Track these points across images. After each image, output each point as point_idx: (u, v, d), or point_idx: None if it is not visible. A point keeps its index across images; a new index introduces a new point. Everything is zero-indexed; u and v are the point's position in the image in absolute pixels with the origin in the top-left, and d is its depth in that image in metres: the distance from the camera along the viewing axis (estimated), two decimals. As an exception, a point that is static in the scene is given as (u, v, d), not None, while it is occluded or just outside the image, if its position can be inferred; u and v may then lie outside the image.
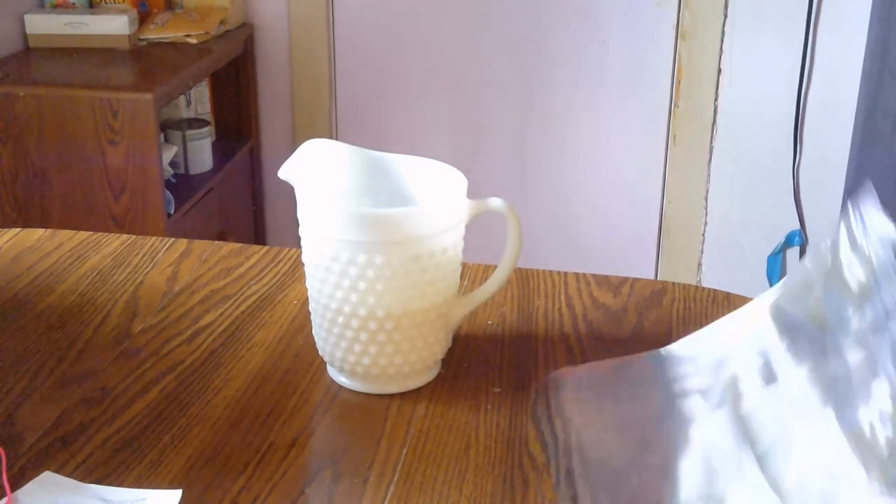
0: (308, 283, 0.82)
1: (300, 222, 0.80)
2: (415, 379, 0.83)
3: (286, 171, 0.80)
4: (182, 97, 2.43)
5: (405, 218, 0.77)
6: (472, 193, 0.80)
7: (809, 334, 0.64)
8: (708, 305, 0.97)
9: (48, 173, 2.10)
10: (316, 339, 0.84)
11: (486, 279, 0.86)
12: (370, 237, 0.76)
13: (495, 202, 0.81)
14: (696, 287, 1.00)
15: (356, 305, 0.78)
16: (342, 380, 0.83)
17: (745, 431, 0.64)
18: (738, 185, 2.49)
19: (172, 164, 2.33)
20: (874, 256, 0.60)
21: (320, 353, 0.84)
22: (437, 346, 0.83)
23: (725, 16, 2.36)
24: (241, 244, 1.12)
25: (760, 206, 2.49)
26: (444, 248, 0.78)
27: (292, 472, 0.72)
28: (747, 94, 2.40)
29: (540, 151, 2.63)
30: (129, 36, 2.30)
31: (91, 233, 1.10)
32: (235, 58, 2.57)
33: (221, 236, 2.42)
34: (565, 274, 1.02)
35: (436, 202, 0.80)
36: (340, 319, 0.79)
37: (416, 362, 0.81)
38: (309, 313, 0.84)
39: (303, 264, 0.83)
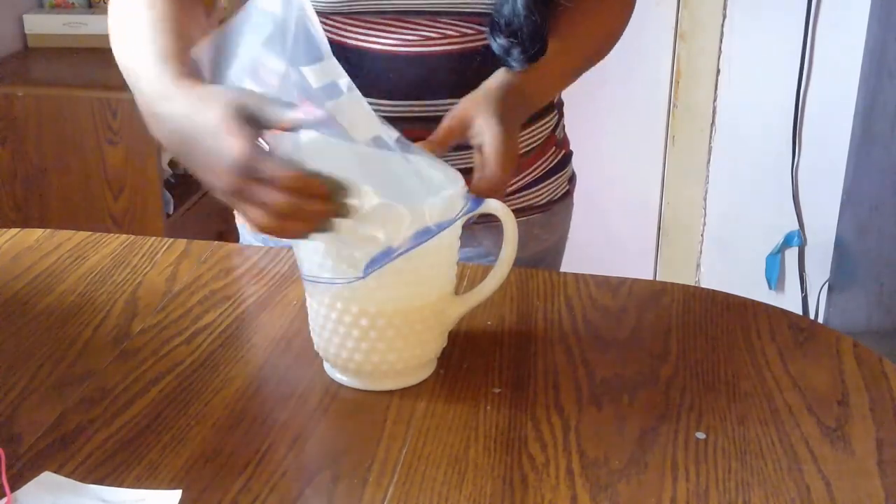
0: (306, 285, 0.82)
1: None
2: (410, 376, 0.83)
3: None
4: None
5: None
6: (471, 194, 0.80)
7: None
8: (707, 306, 0.97)
9: (47, 173, 2.10)
10: (314, 336, 0.84)
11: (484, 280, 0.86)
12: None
13: (491, 203, 0.81)
14: (695, 287, 1.01)
15: (348, 301, 0.78)
16: (338, 376, 0.83)
17: None
18: (736, 185, 2.48)
19: (171, 163, 2.33)
20: None
21: (315, 348, 0.84)
22: (432, 345, 0.83)
23: (724, 16, 2.36)
24: (240, 244, 1.12)
25: (759, 207, 2.48)
26: (438, 247, 0.78)
27: (292, 472, 0.72)
28: (746, 94, 2.40)
29: (539, 152, 2.62)
30: (128, 36, 2.30)
31: (90, 233, 1.10)
32: (234, 58, 2.57)
33: (221, 236, 2.41)
34: (564, 274, 1.02)
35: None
36: (334, 315, 0.80)
37: (410, 359, 0.81)
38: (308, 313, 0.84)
39: (300, 264, 0.82)
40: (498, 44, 0.94)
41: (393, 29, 0.96)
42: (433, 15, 0.95)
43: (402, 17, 0.95)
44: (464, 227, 0.83)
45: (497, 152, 0.84)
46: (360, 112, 0.78)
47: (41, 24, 2.34)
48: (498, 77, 0.93)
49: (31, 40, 2.35)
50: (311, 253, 0.79)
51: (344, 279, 0.77)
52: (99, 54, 2.28)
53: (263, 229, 0.71)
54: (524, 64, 0.93)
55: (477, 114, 0.87)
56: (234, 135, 0.70)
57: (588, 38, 1.01)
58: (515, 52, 0.93)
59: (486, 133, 0.85)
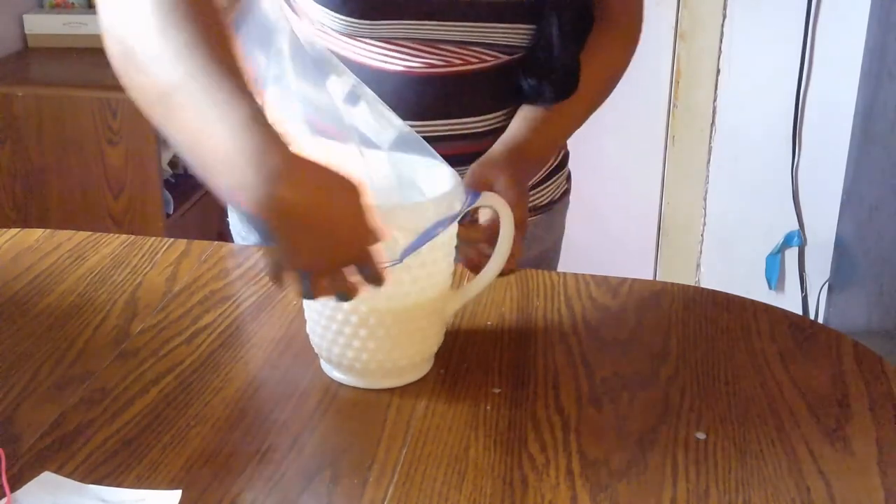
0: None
1: None
2: (405, 374, 0.83)
3: None
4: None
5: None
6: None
7: None
8: (707, 306, 0.97)
9: (47, 173, 2.10)
10: (311, 334, 0.84)
11: (485, 280, 0.86)
12: None
13: (488, 196, 0.81)
14: (695, 288, 1.01)
15: (355, 301, 0.78)
16: (334, 374, 0.83)
17: None
18: (736, 185, 2.48)
19: (171, 163, 2.33)
20: None
21: (315, 348, 0.84)
22: (432, 340, 0.83)
23: (724, 16, 2.35)
24: (240, 244, 1.12)
25: (759, 207, 2.48)
26: (438, 243, 0.78)
27: (292, 472, 0.72)
28: (746, 94, 2.40)
29: (539, 152, 2.61)
30: (128, 36, 2.30)
31: (90, 233, 1.10)
32: (234, 58, 2.57)
33: (221, 237, 2.41)
34: (564, 274, 1.02)
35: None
36: (327, 311, 0.80)
37: (400, 359, 0.81)
38: (308, 314, 0.84)
39: None
40: (529, 84, 0.95)
41: (420, 53, 0.96)
42: (463, 44, 0.96)
43: (434, 43, 0.95)
44: (465, 227, 0.84)
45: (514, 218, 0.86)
46: (378, 113, 0.80)
47: (41, 24, 2.34)
48: (507, 139, 0.95)
49: (31, 40, 2.35)
50: None
51: None
52: (99, 54, 2.26)
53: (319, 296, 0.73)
54: (553, 102, 0.95)
55: (496, 179, 0.89)
56: (371, 237, 0.71)
57: (597, 81, 1.02)
58: (546, 91, 0.94)
59: (504, 197, 0.87)
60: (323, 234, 0.69)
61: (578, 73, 0.96)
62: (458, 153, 0.97)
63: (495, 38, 0.96)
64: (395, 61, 0.96)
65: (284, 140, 0.68)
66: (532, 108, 0.98)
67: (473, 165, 0.92)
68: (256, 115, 0.69)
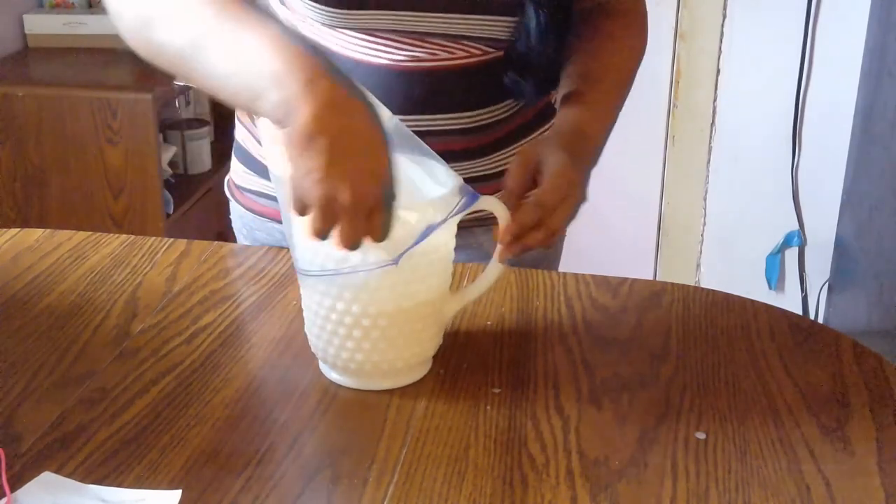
0: (300, 280, 0.82)
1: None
2: (402, 376, 0.83)
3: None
4: (181, 97, 2.43)
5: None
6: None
7: None
8: (707, 306, 0.97)
9: (47, 173, 2.10)
10: (308, 335, 0.84)
11: (485, 279, 0.86)
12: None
13: (486, 199, 0.81)
14: (695, 288, 1.01)
15: (349, 302, 0.78)
16: (332, 375, 0.83)
17: None
18: (736, 185, 2.48)
19: (171, 164, 2.33)
20: None
21: (312, 349, 0.84)
22: (430, 343, 0.83)
23: (724, 16, 2.35)
24: (240, 244, 1.12)
25: (759, 207, 2.48)
26: (436, 245, 0.78)
27: (292, 472, 0.72)
28: (746, 94, 2.40)
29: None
30: (128, 36, 2.30)
31: (90, 233, 1.10)
32: (234, 58, 2.57)
33: (220, 237, 2.42)
34: (564, 275, 1.02)
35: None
36: (322, 311, 0.80)
37: (396, 360, 0.81)
38: (308, 314, 0.84)
39: (296, 260, 0.82)
40: (510, 78, 0.94)
41: (405, 46, 0.95)
42: (450, 37, 0.95)
43: (419, 36, 0.95)
44: (463, 227, 0.83)
45: (556, 176, 0.82)
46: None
47: (41, 24, 2.34)
48: (560, 122, 0.92)
49: (31, 40, 2.35)
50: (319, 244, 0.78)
51: (353, 268, 0.76)
52: (99, 54, 2.28)
53: (320, 233, 0.72)
54: (534, 100, 0.94)
55: (543, 149, 0.86)
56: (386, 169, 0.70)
57: (622, 69, 1.04)
58: (526, 87, 0.94)
59: (549, 162, 0.84)
60: (343, 152, 0.68)
61: (559, 68, 0.95)
62: (446, 149, 0.97)
63: (482, 32, 0.95)
64: (379, 54, 0.96)
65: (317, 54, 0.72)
66: (568, 96, 0.96)
67: (525, 145, 0.91)
68: (287, 32, 0.73)
